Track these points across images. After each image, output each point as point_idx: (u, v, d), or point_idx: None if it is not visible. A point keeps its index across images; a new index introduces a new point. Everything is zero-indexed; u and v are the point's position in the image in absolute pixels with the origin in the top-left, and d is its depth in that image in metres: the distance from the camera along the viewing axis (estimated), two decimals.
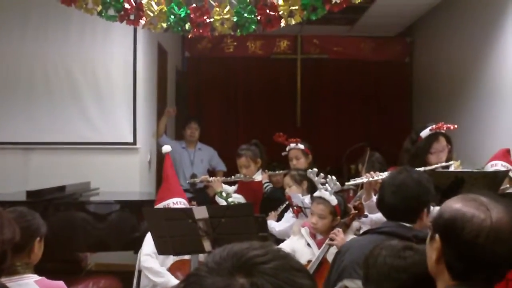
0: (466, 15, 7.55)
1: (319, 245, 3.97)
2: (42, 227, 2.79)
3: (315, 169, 4.27)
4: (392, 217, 2.91)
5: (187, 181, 6.43)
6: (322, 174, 4.14)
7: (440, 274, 1.81)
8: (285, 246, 4.09)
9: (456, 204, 1.79)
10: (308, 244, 4.04)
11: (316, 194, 4.07)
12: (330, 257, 3.83)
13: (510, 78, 6.18)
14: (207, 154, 7.64)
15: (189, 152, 7.48)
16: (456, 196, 1.84)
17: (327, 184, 4.01)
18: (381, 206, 2.97)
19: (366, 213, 4.36)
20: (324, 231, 3.98)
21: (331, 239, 3.84)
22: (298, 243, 4.09)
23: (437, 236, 1.80)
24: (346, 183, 4.47)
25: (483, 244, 1.70)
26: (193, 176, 6.89)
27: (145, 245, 4.35)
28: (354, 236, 4.07)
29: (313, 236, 4.06)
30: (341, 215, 4.04)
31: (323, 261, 3.84)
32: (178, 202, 4.20)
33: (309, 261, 3.88)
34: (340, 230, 3.89)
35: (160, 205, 4.19)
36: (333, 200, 3.98)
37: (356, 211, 4.13)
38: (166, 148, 4.49)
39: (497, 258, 1.72)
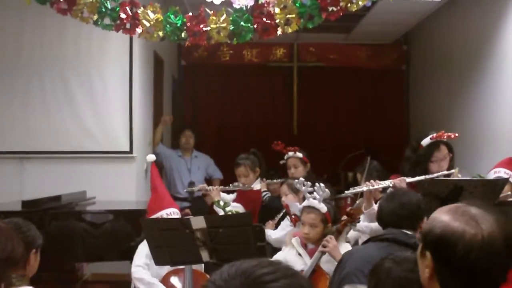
0: (462, 22, 7.56)
1: (310, 254, 3.96)
2: (38, 238, 2.75)
3: (302, 179, 4.27)
4: (385, 222, 2.89)
5: (185, 190, 6.40)
6: (309, 183, 4.12)
7: None
8: (277, 257, 4.10)
9: (445, 218, 1.73)
10: (300, 254, 4.02)
11: (304, 203, 4.06)
12: (323, 264, 3.85)
13: (508, 86, 6.17)
14: (203, 161, 7.64)
15: (185, 160, 7.47)
16: (444, 208, 1.78)
17: (315, 193, 3.99)
18: (381, 218, 2.95)
19: (360, 218, 4.36)
20: (316, 240, 3.97)
21: (324, 246, 3.83)
22: (290, 253, 4.08)
23: (428, 253, 1.76)
24: (346, 192, 4.45)
25: (476, 260, 1.66)
26: (191, 183, 6.89)
27: (137, 257, 4.30)
28: (346, 243, 4.07)
29: (304, 245, 4.05)
30: (332, 222, 4.03)
31: (316, 269, 3.83)
32: (171, 213, 4.16)
33: (301, 271, 3.86)
34: (332, 237, 3.88)
35: (153, 217, 4.16)
36: (323, 208, 3.97)
37: (348, 217, 4.12)
38: (150, 158, 4.43)
39: (491, 273, 1.68)
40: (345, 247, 3.94)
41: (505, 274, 1.72)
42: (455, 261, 1.68)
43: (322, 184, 4.02)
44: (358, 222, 4.29)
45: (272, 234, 4.78)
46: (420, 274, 1.81)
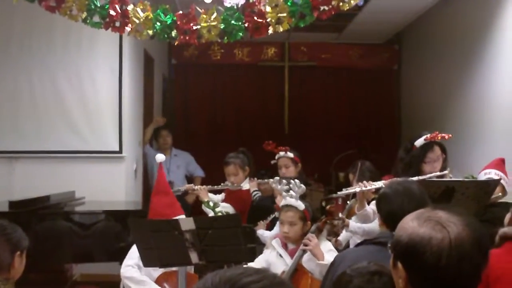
0: (454, 22, 7.54)
1: (291, 254, 3.94)
2: (23, 241, 2.69)
3: (277, 178, 4.26)
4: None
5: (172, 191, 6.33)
6: (284, 181, 4.09)
7: None
8: (260, 260, 4.08)
9: (411, 226, 1.69)
10: (280, 255, 4.00)
11: (282, 203, 4.05)
12: (304, 263, 3.83)
13: (499, 86, 6.16)
14: (183, 160, 7.69)
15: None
16: (410, 215, 1.74)
17: (291, 191, 3.97)
18: (390, 216, 2.83)
19: (341, 215, 4.34)
20: (296, 239, 3.95)
21: (305, 245, 3.81)
22: (271, 255, 4.06)
23: (399, 264, 1.71)
24: (338, 192, 4.41)
25: (447, 265, 1.61)
26: (169, 183, 6.91)
27: (128, 257, 4.27)
28: (327, 242, 4.05)
29: (284, 246, 4.03)
30: (310, 220, 4.02)
31: (298, 268, 3.81)
32: None
33: (283, 272, 3.84)
34: (313, 235, 3.87)
35: None
36: (300, 205, 3.96)
37: (328, 216, 4.10)
38: (160, 157, 4.30)
39: (465, 275, 1.64)
40: (325, 245, 3.92)
41: (479, 275, 1.68)
42: (426, 268, 1.64)
43: (297, 180, 4.02)
44: (338, 219, 4.28)
45: (269, 235, 4.72)
46: (396, 285, 1.77)
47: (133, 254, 4.21)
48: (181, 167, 7.59)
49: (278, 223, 4.83)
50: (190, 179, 7.53)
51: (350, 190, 4.36)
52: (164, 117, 8.63)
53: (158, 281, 4.21)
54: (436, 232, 1.64)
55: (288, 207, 3.97)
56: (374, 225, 4.00)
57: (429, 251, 1.62)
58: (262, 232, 4.78)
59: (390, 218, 2.80)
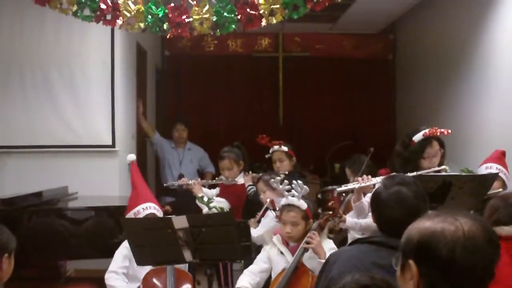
0: (449, 12, 7.48)
1: (292, 251, 3.90)
2: (11, 242, 2.63)
3: (278, 177, 4.21)
4: (390, 230, 2.71)
5: (165, 184, 6.30)
6: (286, 181, 4.03)
7: None
8: (261, 257, 4.04)
9: (423, 224, 1.67)
10: (281, 252, 3.95)
11: (283, 202, 3.98)
12: (306, 261, 3.79)
13: (495, 76, 6.11)
14: (197, 154, 7.73)
15: (178, 152, 7.60)
16: (420, 217, 1.71)
17: (293, 190, 3.92)
18: (381, 220, 2.78)
19: (341, 213, 4.29)
20: (299, 238, 3.89)
21: (307, 243, 3.76)
22: (272, 252, 4.02)
23: (411, 262, 1.66)
24: (338, 189, 4.34)
25: (461, 257, 1.58)
26: (180, 176, 6.95)
27: (113, 261, 4.25)
28: (329, 240, 3.99)
29: (285, 243, 3.98)
30: (312, 217, 3.97)
31: (299, 266, 3.77)
32: (147, 207, 4.16)
33: (284, 269, 3.79)
34: (316, 233, 3.82)
35: (130, 213, 4.12)
36: (303, 205, 3.90)
37: (331, 212, 4.05)
38: (131, 157, 4.49)
39: (478, 269, 1.60)
40: (326, 244, 3.88)
41: (493, 271, 1.64)
42: (441, 261, 1.60)
43: (300, 182, 3.95)
44: (340, 217, 4.23)
45: (253, 232, 4.67)
46: None
47: (118, 256, 4.21)
48: (193, 161, 7.63)
49: (263, 220, 4.76)
50: (201, 174, 7.57)
51: (349, 186, 4.31)
52: (158, 109, 8.57)
53: (148, 274, 4.15)
54: (449, 224, 1.61)
55: (290, 206, 3.90)
56: (371, 220, 3.95)
57: (443, 242, 1.59)
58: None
59: (380, 222, 2.75)
